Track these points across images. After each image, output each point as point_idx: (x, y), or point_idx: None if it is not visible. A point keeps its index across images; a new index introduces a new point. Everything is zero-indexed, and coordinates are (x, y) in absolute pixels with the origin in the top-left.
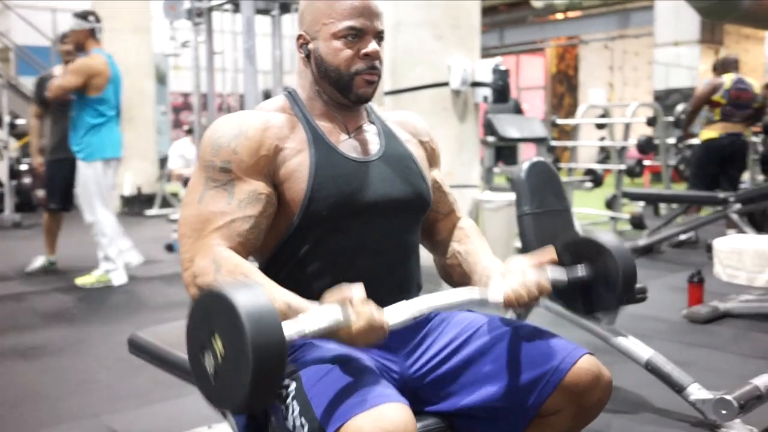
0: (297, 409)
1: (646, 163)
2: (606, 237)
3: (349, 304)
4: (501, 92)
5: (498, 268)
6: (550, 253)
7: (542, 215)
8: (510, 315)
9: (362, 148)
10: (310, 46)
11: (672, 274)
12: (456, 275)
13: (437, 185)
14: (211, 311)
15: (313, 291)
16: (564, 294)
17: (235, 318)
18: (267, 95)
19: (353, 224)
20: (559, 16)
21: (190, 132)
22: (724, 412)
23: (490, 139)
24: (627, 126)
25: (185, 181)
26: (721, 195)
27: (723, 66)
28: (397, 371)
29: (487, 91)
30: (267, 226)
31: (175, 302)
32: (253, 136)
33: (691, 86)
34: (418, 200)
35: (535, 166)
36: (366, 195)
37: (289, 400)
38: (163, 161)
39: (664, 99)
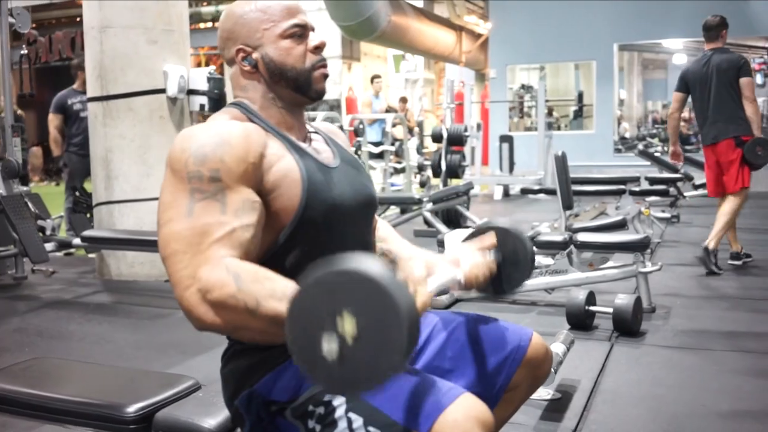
0: (359, 420)
1: None
2: (509, 224)
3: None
4: (218, 101)
5: (443, 255)
6: (490, 237)
7: None
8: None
9: (321, 156)
10: (255, 55)
11: None
12: None
13: None
14: (335, 292)
15: None
16: None
17: (378, 290)
18: None
19: (340, 230)
20: (205, 25)
21: None
22: None
23: None
24: None
25: None
26: (417, 196)
27: None
28: None
29: (204, 99)
30: (261, 237)
31: None
32: (237, 144)
33: (336, 98)
34: (375, 202)
35: None
36: (347, 200)
37: (337, 415)
38: None
39: (312, 109)
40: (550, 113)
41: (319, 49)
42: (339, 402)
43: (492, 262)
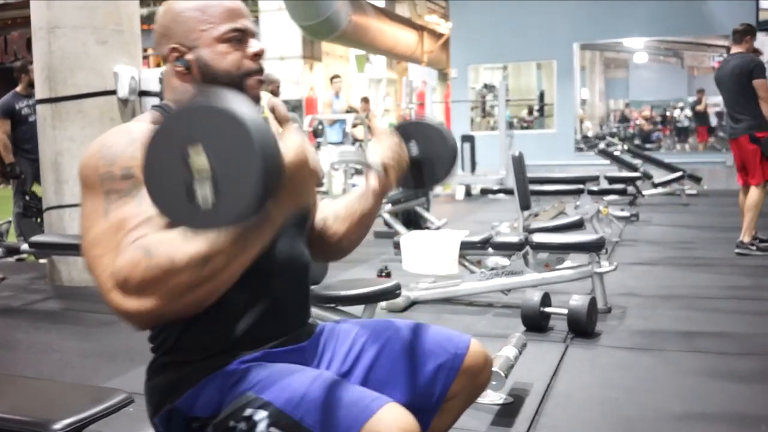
0: None
1: None
2: (432, 119)
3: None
4: None
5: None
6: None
7: None
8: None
9: None
10: (189, 56)
11: (351, 270)
12: (345, 233)
13: None
14: (178, 135)
15: (231, 317)
16: None
17: (226, 117)
18: None
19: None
20: None
21: None
22: (494, 383)
23: None
24: None
25: None
26: None
27: None
28: None
29: (156, 101)
30: None
31: None
32: None
33: (298, 98)
34: (310, 209)
35: None
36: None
37: (258, 430)
38: None
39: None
40: (530, 112)
41: (258, 56)
42: (260, 417)
43: (404, 150)
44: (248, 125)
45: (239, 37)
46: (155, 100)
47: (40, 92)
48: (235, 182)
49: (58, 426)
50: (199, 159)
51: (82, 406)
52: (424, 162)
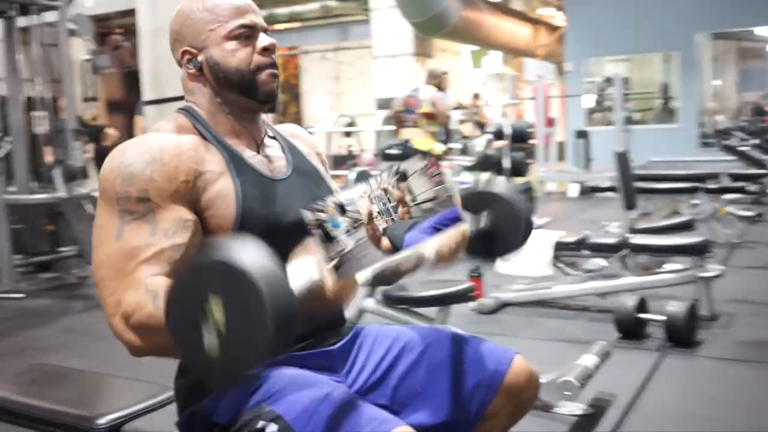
0: None
1: None
2: (500, 187)
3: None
4: None
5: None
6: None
7: None
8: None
9: (272, 166)
10: (200, 57)
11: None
12: None
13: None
14: (202, 282)
15: None
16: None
17: (239, 273)
18: (2, 102)
19: (278, 248)
20: (281, 26)
21: None
22: (568, 393)
23: None
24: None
25: None
26: None
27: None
28: None
29: None
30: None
31: None
32: (168, 161)
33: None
34: None
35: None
36: (288, 217)
37: None
38: None
39: (386, 107)
40: (667, 103)
41: (267, 50)
42: (271, 430)
43: (465, 229)
44: (263, 290)
45: (247, 33)
46: None
47: (147, 94)
48: (245, 345)
49: (102, 421)
50: (217, 310)
51: (129, 401)
52: (495, 233)
